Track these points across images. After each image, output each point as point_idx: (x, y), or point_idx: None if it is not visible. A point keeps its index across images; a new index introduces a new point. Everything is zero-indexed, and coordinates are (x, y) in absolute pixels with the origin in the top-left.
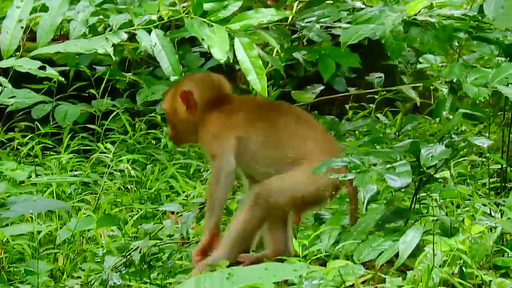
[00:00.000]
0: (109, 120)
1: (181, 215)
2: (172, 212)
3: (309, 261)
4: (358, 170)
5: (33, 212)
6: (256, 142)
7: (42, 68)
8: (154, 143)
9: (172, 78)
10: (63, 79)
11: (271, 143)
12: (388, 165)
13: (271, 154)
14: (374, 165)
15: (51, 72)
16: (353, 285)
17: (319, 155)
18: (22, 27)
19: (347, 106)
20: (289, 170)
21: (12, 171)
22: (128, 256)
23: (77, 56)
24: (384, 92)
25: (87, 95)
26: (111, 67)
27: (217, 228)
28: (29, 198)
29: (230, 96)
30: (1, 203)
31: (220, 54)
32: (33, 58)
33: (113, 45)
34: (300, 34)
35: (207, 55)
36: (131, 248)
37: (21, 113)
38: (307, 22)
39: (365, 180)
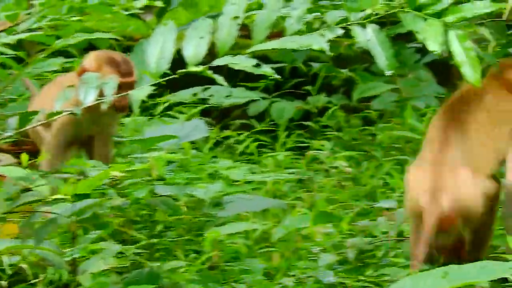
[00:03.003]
0: (325, 117)
1: (395, 212)
2: (387, 209)
3: None
4: None
5: (248, 210)
6: None
7: (257, 65)
8: (370, 139)
9: (388, 73)
10: (279, 76)
11: None
12: None
13: None
14: None
15: (266, 69)
16: None
17: None
18: (238, 24)
19: None
20: None
21: (227, 169)
22: (343, 254)
23: (293, 52)
24: None
25: (303, 92)
26: (327, 63)
27: None
28: (245, 197)
29: None
30: (216, 202)
31: (435, 46)
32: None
33: (329, 41)
34: None
35: (421, 51)
36: (346, 246)
37: (237, 110)
38: None
39: None
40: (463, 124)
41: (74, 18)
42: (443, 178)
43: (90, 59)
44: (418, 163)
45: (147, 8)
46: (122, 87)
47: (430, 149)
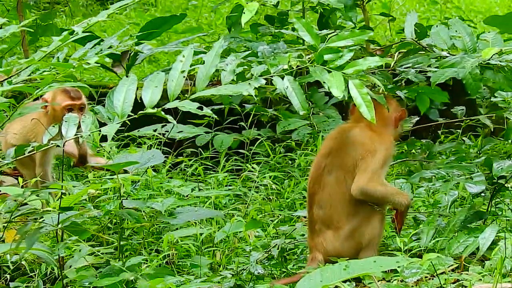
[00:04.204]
0: (255, 146)
1: None
2: (304, 217)
3: (409, 254)
4: (444, 180)
5: (195, 219)
6: None
7: (200, 108)
8: (290, 163)
9: (301, 113)
10: (216, 116)
11: None
12: (468, 176)
13: None
14: (459, 176)
15: (206, 111)
16: (443, 272)
17: None
18: (184, 76)
19: (439, 132)
20: None
21: (179, 187)
22: (270, 252)
23: (230, 97)
24: (468, 120)
25: (238, 127)
26: (256, 104)
27: None
28: (192, 208)
29: None
30: (171, 212)
31: (338, 93)
32: (193, 100)
33: (255, 88)
34: (400, 77)
35: (330, 94)
36: (272, 245)
37: (188, 141)
38: (405, 68)
39: (449, 188)
40: (324, 181)
41: (49, 72)
42: (315, 240)
43: (49, 92)
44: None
45: (118, 62)
46: (74, 109)
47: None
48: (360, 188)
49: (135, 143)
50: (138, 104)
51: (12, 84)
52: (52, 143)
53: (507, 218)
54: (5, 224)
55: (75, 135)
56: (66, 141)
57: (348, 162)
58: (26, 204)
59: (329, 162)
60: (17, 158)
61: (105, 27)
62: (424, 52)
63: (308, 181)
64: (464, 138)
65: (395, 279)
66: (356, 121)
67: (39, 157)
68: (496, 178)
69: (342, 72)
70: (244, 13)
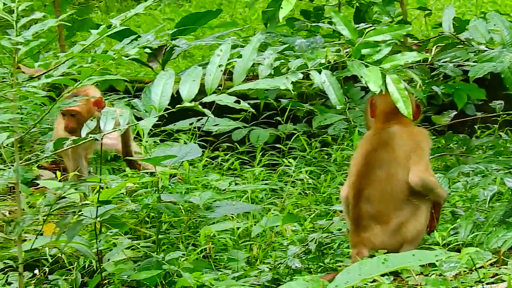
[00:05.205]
0: (291, 140)
1: None
2: (341, 211)
3: (447, 248)
4: (482, 175)
5: (232, 213)
6: None
7: (237, 102)
8: (327, 157)
9: (338, 107)
10: (253, 110)
11: None
12: (507, 171)
13: None
14: (497, 171)
15: (244, 105)
16: (482, 267)
17: None
18: (221, 71)
19: (476, 127)
20: None
21: (216, 181)
22: (307, 246)
23: (266, 91)
24: (505, 115)
25: (274, 121)
26: (292, 99)
27: None
28: (230, 203)
29: None
30: (208, 206)
31: (375, 87)
32: (230, 94)
33: (292, 82)
34: (438, 71)
35: (366, 89)
36: (309, 240)
37: (224, 136)
38: (443, 62)
39: (488, 182)
40: (373, 176)
41: (88, 65)
42: (361, 236)
43: None
44: (347, 183)
45: (154, 57)
46: (65, 114)
47: (353, 182)
48: (421, 178)
49: (171, 138)
50: (173, 99)
51: (50, 78)
52: (90, 137)
53: None
54: (45, 218)
55: (113, 129)
56: (104, 135)
57: (399, 156)
58: (64, 197)
59: (377, 157)
60: (56, 152)
61: (140, 22)
62: (462, 46)
63: (353, 177)
64: (500, 133)
65: (433, 273)
66: (387, 120)
67: (70, 151)
68: None
69: (380, 67)
70: (282, 7)
